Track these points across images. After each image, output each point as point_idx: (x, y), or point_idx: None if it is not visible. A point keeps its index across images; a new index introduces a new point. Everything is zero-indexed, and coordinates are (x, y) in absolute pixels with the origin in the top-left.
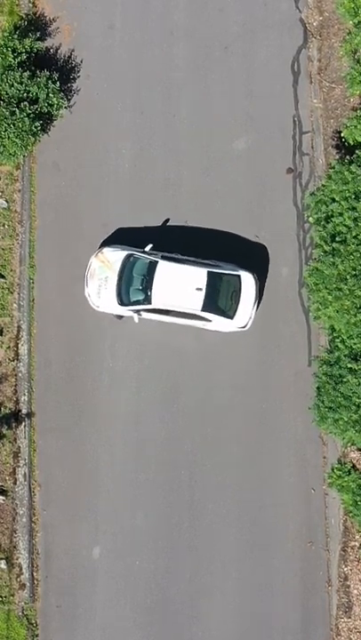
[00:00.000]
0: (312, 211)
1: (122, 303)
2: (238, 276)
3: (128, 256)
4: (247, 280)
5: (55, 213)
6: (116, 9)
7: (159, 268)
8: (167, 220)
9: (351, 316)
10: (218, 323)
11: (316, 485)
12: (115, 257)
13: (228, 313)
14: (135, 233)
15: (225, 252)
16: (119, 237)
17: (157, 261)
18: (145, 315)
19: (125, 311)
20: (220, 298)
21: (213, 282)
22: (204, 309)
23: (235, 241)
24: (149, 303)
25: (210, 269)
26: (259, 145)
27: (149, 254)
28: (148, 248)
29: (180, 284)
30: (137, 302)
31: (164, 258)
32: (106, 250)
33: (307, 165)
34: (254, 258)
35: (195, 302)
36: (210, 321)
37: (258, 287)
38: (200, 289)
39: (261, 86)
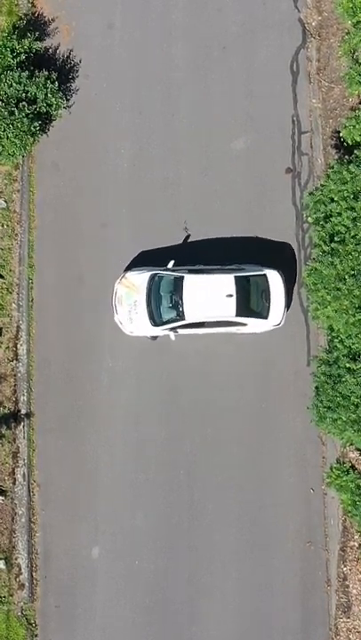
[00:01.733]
0: (311, 210)
1: (155, 324)
2: (264, 275)
3: (152, 276)
4: (273, 277)
5: (54, 213)
6: (116, 8)
7: (186, 282)
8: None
9: (350, 316)
10: (253, 325)
11: (315, 485)
12: (139, 279)
13: (262, 313)
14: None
15: (229, 255)
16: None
17: (183, 276)
18: (180, 331)
19: (160, 331)
20: (251, 300)
21: (242, 286)
22: (238, 314)
23: (235, 242)
24: (183, 319)
25: (236, 274)
26: (258, 145)
27: (173, 270)
28: (170, 265)
29: (210, 293)
30: (171, 320)
31: (188, 271)
32: (129, 274)
33: (306, 165)
34: (254, 258)
35: (228, 309)
36: (245, 325)
37: (285, 282)
38: (231, 295)
39: (260, 86)
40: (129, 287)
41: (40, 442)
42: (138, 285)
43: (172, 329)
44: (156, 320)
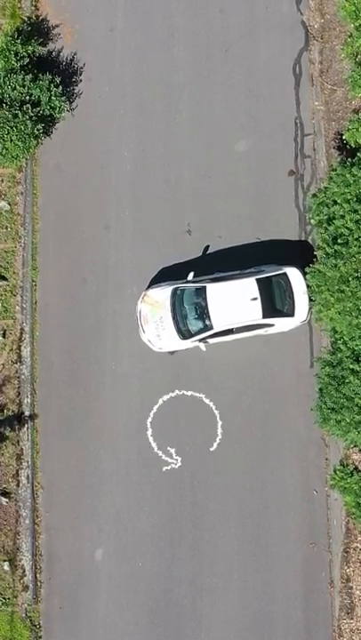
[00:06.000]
0: (314, 213)
1: (184, 337)
2: (285, 274)
3: (174, 290)
4: (294, 274)
5: (57, 216)
6: (118, 12)
7: (209, 292)
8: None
9: (353, 318)
10: (281, 324)
11: (318, 487)
12: (161, 295)
13: (288, 311)
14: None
15: (233, 257)
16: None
17: (205, 286)
18: (210, 340)
19: (190, 344)
20: (275, 300)
21: (265, 287)
22: (265, 316)
23: (237, 244)
24: (211, 328)
25: (257, 276)
26: (260, 147)
27: (194, 282)
28: (190, 276)
29: (235, 299)
30: (199, 331)
31: (209, 281)
32: (150, 292)
33: (308, 168)
34: (256, 259)
35: (254, 312)
36: (273, 325)
37: (305, 278)
38: (255, 298)
39: (263, 88)
40: (152, 304)
41: (44, 444)
42: (161, 301)
43: (202, 340)
44: (184, 333)
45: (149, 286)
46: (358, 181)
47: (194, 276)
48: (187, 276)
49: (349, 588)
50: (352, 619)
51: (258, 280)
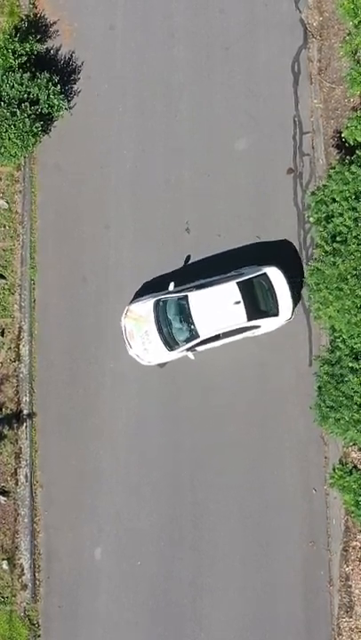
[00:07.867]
0: (313, 211)
1: (171, 348)
2: (265, 274)
3: (156, 302)
4: (274, 274)
5: (56, 214)
6: (117, 10)
7: (192, 300)
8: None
9: (352, 316)
10: (267, 324)
11: (317, 485)
12: (144, 309)
13: (273, 311)
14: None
15: (232, 257)
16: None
17: (187, 295)
18: (198, 348)
19: (178, 354)
20: (259, 301)
21: (246, 290)
22: (250, 319)
23: (237, 244)
24: (197, 337)
25: (237, 280)
26: (259, 145)
27: (175, 292)
28: (171, 287)
29: (218, 305)
30: (186, 341)
31: (190, 289)
32: (132, 307)
33: (307, 166)
34: (256, 259)
35: (239, 316)
36: (259, 327)
37: (286, 276)
38: (238, 302)
39: (262, 87)
40: (136, 319)
41: (42, 442)
42: (145, 315)
43: (189, 349)
44: (170, 344)
45: (132, 301)
46: (357, 179)
47: (175, 286)
48: (167, 287)
49: (349, 587)
50: (351, 617)
51: (239, 283)
